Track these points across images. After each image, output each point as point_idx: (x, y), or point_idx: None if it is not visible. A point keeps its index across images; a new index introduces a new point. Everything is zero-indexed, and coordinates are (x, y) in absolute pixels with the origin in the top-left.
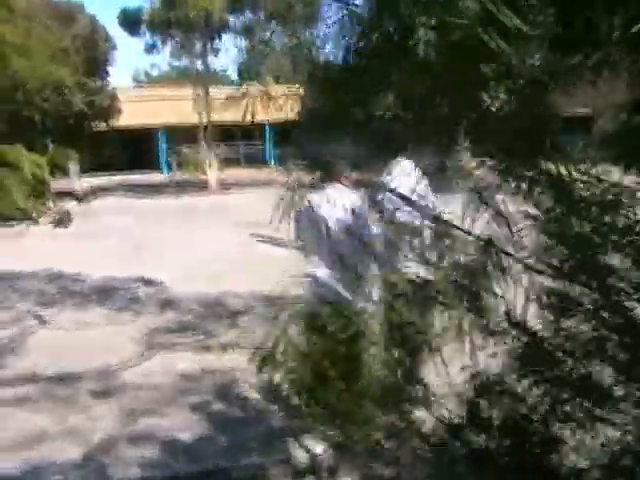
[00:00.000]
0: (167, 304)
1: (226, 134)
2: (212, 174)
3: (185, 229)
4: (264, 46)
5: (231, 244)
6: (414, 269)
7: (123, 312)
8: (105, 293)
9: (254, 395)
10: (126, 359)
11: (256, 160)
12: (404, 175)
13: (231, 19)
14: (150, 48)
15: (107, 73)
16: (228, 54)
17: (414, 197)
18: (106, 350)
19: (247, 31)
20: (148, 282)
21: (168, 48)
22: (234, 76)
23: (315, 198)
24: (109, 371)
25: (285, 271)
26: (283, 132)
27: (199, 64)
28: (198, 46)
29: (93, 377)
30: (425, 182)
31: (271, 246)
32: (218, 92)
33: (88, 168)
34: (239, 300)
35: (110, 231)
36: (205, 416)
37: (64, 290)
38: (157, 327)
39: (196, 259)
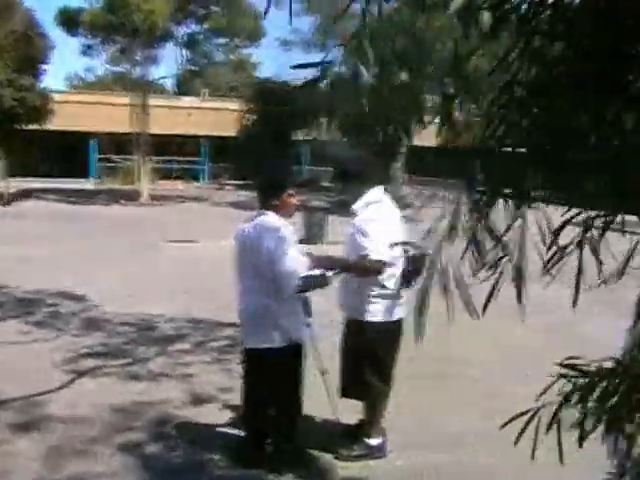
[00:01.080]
0: (92, 323)
1: (160, 145)
2: (144, 185)
3: (115, 240)
4: (206, 59)
5: (160, 257)
6: None
7: (43, 330)
8: (22, 307)
9: (189, 435)
10: (48, 386)
11: (189, 174)
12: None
13: (175, 29)
14: (86, 50)
15: (42, 72)
16: (167, 64)
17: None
18: (25, 374)
19: (190, 42)
20: (71, 297)
21: (106, 52)
22: (170, 87)
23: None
24: (29, 401)
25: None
26: (219, 147)
27: (138, 72)
28: (139, 53)
29: (9, 407)
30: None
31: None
32: (155, 102)
33: (15, 170)
34: (170, 324)
35: (35, 238)
36: (141, 461)
37: None
38: (82, 350)
39: (124, 274)
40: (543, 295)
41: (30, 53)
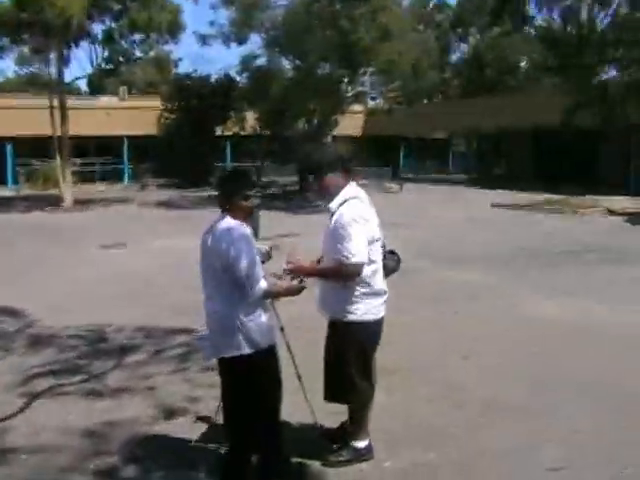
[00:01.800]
0: (38, 340)
1: (80, 147)
2: (66, 189)
3: (43, 248)
4: (123, 56)
5: (95, 264)
6: None
7: None
8: None
9: (165, 454)
10: (3, 413)
11: (111, 176)
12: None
13: (90, 26)
14: None
15: None
16: (78, 64)
17: None
18: None
19: (107, 39)
20: (8, 313)
21: (15, 52)
22: (83, 86)
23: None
24: None
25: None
26: (139, 147)
27: (53, 72)
28: (53, 52)
29: None
30: None
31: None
32: (72, 103)
33: None
34: (121, 334)
35: None
36: None
37: None
38: (32, 370)
39: (61, 284)
40: None
41: None
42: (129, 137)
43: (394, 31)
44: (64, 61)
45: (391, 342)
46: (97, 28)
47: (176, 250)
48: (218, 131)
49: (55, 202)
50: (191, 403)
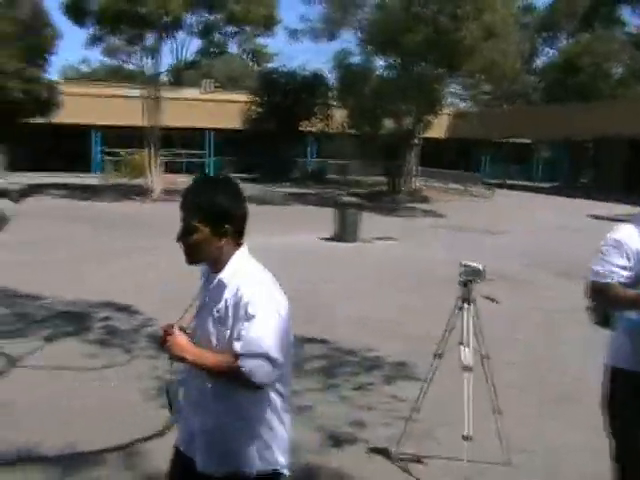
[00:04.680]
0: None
1: (165, 138)
2: (156, 180)
3: (141, 240)
4: (218, 48)
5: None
6: None
7: (108, 351)
8: (72, 322)
9: None
10: (150, 428)
11: (195, 168)
12: None
13: (187, 17)
14: (93, 41)
15: (47, 63)
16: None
17: None
18: (115, 412)
19: (205, 31)
20: (120, 309)
21: (110, 43)
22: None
23: None
24: (133, 450)
25: None
26: (223, 140)
27: (149, 63)
28: (148, 43)
29: (106, 461)
30: None
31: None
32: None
33: (19, 164)
34: None
35: (54, 239)
36: None
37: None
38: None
39: (164, 278)
40: None
41: (37, 43)
42: (213, 130)
43: (498, 30)
44: (157, 52)
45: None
46: (192, 20)
47: (271, 249)
48: (302, 127)
49: (143, 192)
50: (357, 429)
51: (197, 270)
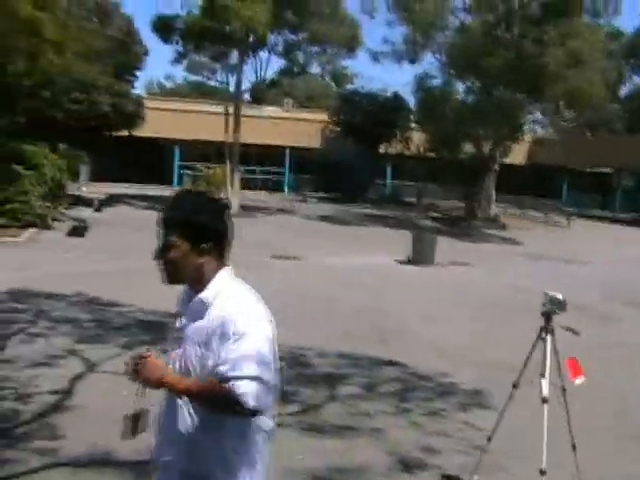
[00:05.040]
0: None
1: (243, 155)
2: (234, 196)
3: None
4: (300, 68)
5: (272, 273)
6: None
7: None
8: (152, 331)
9: None
10: None
11: (272, 185)
12: None
13: (271, 37)
14: (180, 57)
15: (136, 78)
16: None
17: None
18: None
19: (287, 51)
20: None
21: (192, 60)
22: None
23: None
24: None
25: None
26: (301, 158)
27: (232, 80)
28: (230, 61)
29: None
30: None
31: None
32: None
33: (100, 175)
34: (323, 360)
35: (134, 247)
36: None
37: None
38: None
39: None
40: None
41: (126, 60)
42: (292, 148)
43: (585, 57)
44: (241, 70)
45: None
46: (278, 39)
47: (348, 268)
48: (381, 149)
49: None
50: (428, 454)
51: None
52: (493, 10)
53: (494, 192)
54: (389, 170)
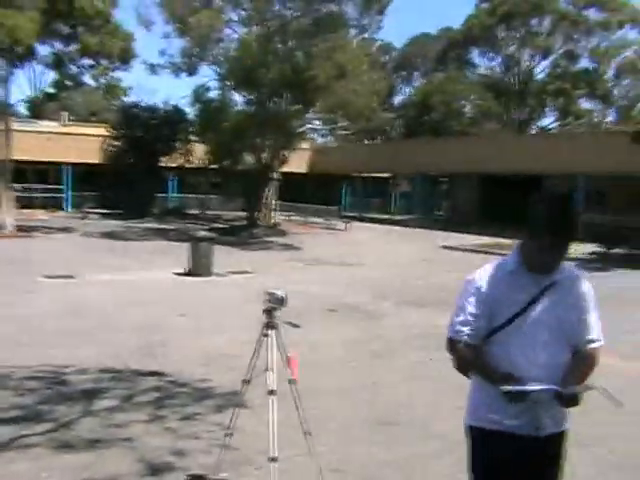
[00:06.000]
0: None
1: (18, 172)
2: (7, 216)
3: None
4: (72, 81)
5: (44, 295)
6: None
7: None
8: None
9: None
10: None
11: (52, 203)
12: None
13: (39, 48)
14: None
15: None
16: (17, 86)
17: None
18: None
19: (57, 63)
20: None
21: None
22: (22, 110)
23: None
24: None
25: None
26: (81, 175)
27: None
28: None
29: None
30: None
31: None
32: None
33: None
34: (83, 376)
35: None
36: None
37: None
38: None
39: (6, 318)
40: None
41: None
42: (70, 164)
43: (350, 70)
44: (7, 82)
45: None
46: (46, 50)
47: (124, 284)
48: (162, 162)
49: None
50: (178, 457)
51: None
52: (267, 23)
53: (275, 201)
54: (172, 184)
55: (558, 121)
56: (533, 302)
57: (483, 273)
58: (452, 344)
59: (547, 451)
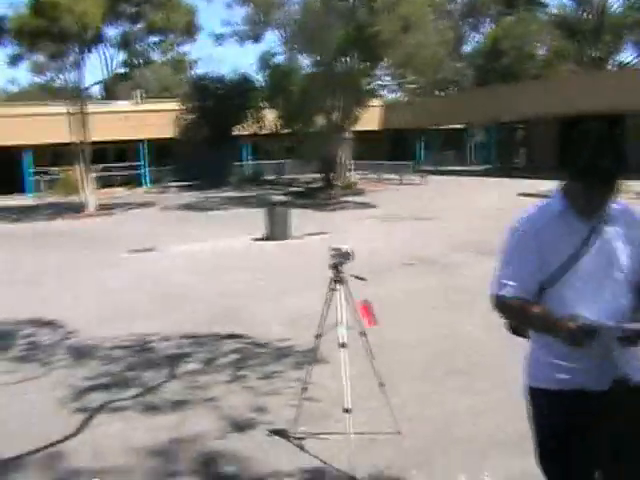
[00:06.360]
0: (80, 351)
1: (98, 153)
2: (89, 196)
3: (73, 255)
4: (141, 59)
5: (128, 270)
6: None
7: (27, 366)
8: None
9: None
10: (61, 433)
11: (132, 180)
12: None
13: (107, 30)
14: (14, 60)
15: None
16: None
17: None
18: (26, 422)
19: (125, 43)
20: (46, 324)
21: (31, 60)
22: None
23: None
24: (46, 453)
25: None
26: (158, 150)
27: (71, 78)
28: (70, 58)
29: (26, 465)
30: None
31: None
32: (90, 109)
33: None
34: (167, 343)
35: None
36: None
37: None
38: (82, 383)
39: (94, 292)
40: None
41: None
42: (146, 140)
43: (414, 22)
44: (80, 67)
45: None
46: (113, 32)
47: (204, 253)
48: (235, 131)
49: (78, 209)
50: (259, 414)
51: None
52: None
53: (350, 160)
54: (247, 151)
55: (639, 56)
56: (586, 244)
57: (528, 219)
58: (500, 302)
59: (626, 406)
